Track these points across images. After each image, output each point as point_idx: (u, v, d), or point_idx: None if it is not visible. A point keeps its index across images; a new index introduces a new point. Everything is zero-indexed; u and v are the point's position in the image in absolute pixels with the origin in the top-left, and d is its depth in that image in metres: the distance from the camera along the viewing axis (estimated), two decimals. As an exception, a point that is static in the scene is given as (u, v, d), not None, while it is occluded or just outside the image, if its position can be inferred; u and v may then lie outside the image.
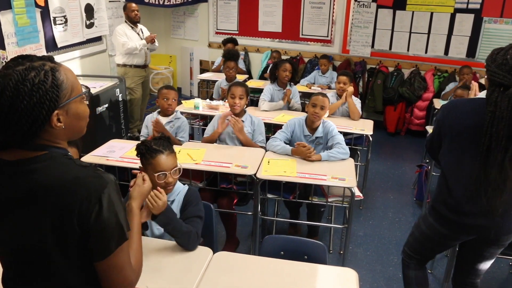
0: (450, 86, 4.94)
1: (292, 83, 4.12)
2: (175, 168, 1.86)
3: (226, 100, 3.87)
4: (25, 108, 0.94)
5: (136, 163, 2.57)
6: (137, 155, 1.86)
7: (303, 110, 4.09)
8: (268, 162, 2.68)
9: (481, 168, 1.67)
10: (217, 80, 4.63)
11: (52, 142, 1.03)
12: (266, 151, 2.88)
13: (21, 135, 0.96)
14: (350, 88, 3.76)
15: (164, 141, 1.89)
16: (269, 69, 5.46)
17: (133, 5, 4.80)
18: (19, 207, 0.99)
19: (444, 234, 1.92)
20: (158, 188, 1.74)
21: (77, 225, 0.98)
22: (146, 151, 1.82)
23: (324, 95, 2.97)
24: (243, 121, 3.03)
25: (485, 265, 1.99)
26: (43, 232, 0.99)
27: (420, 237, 2.06)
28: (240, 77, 4.72)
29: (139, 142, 1.95)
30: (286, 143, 2.92)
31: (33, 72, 0.96)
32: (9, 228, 1.02)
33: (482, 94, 1.73)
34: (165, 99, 3.11)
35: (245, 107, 3.20)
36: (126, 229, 1.05)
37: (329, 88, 4.89)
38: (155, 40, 4.95)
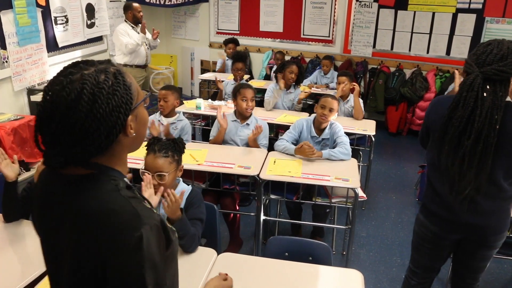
0: (453, 86, 4.92)
1: (296, 86, 4.11)
2: (159, 173, 1.82)
3: (228, 101, 3.87)
4: (104, 114, 0.83)
5: (138, 164, 2.56)
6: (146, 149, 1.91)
7: (302, 110, 4.09)
8: (274, 161, 2.67)
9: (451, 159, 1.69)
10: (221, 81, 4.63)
11: (111, 160, 0.91)
12: (268, 152, 2.87)
13: (98, 144, 0.84)
14: (357, 87, 3.74)
15: (169, 144, 1.88)
16: (273, 69, 5.47)
17: (138, 5, 4.80)
18: (54, 229, 0.90)
19: (434, 232, 1.91)
20: (173, 192, 1.74)
21: (100, 269, 0.83)
22: (148, 146, 1.89)
23: (334, 97, 2.96)
24: (248, 123, 3.02)
25: (479, 268, 1.95)
26: (63, 261, 0.88)
27: (415, 241, 2.03)
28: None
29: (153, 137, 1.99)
30: (294, 144, 2.91)
31: (102, 75, 0.85)
32: (48, 247, 0.95)
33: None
34: (160, 100, 3.10)
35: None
36: (152, 287, 0.84)
37: (328, 87, 4.88)
38: (157, 36, 4.94)
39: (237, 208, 2.79)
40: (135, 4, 4.78)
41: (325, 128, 2.94)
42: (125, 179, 0.93)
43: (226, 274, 1.46)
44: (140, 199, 0.89)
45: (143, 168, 1.86)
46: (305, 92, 4.02)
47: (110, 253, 0.82)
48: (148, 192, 1.76)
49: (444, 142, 1.68)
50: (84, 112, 0.82)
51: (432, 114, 1.83)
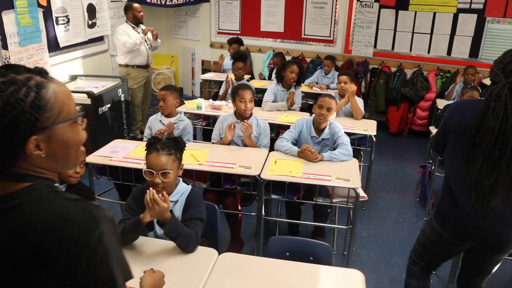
0: (457, 88, 4.90)
1: (297, 86, 4.10)
2: (164, 171, 1.82)
3: (229, 101, 3.87)
4: None
5: (139, 164, 2.57)
6: (145, 149, 1.90)
7: (302, 110, 4.08)
8: (275, 161, 2.67)
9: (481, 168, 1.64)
10: (219, 80, 4.63)
11: (34, 171, 0.86)
12: (269, 152, 2.87)
13: None
14: (353, 87, 3.74)
15: (171, 143, 1.88)
16: (274, 71, 5.47)
17: (138, 5, 4.80)
18: None
19: (448, 240, 1.89)
20: (163, 194, 1.74)
21: (64, 277, 0.79)
22: (148, 146, 1.88)
23: (332, 97, 2.95)
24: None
25: (490, 270, 1.96)
26: None
27: (425, 242, 2.03)
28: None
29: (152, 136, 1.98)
30: (294, 143, 2.92)
31: (12, 86, 0.79)
32: None
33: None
34: (159, 100, 3.11)
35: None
36: (122, 282, 0.85)
37: (328, 88, 4.88)
38: (157, 36, 4.93)
39: (240, 208, 2.80)
40: (135, 5, 4.78)
41: (324, 128, 2.94)
42: (56, 185, 0.89)
43: (152, 269, 1.41)
44: (84, 199, 0.87)
45: (146, 167, 1.86)
46: (292, 92, 3.97)
47: (75, 258, 0.79)
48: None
49: (475, 152, 1.63)
50: None
51: (454, 118, 1.79)
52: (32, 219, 0.81)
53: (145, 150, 1.90)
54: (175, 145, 1.89)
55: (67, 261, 0.79)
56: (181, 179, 1.99)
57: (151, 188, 1.73)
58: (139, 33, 4.79)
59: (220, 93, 4.48)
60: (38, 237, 0.79)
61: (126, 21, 4.80)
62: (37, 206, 0.82)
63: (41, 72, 0.86)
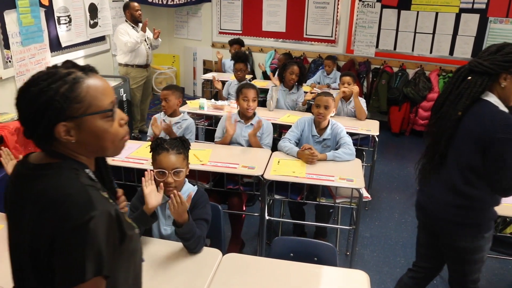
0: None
1: (299, 86, 4.10)
2: (176, 169, 1.82)
3: (232, 100, 3.87)
4: (28, 112, 0.93)
5: (142, 164, 2.56)
6: (150, 151, 1.89)
7: (307, 110, 4.08)
8: (278, 162, 2.67)
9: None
10: (220, 80, 4.61)
11: (68, 153, 0.98)
12: (272, 152, 2.86)
13: (30, 136, 0.95)
14: (356, 88, 3.74)
15: (177, 142, 1.88)
16: (277, 72, 5.46)
17: (136, 4, 4.78)
18: (19, 209, 0.96)
19: (419, 224, 2.04)
20: (180, 194, 1.68)
21: (49, 247, 0.88)
22: (155, 147, 1.87)
23: (328, 94, 2.95)
24: (252, 124, 3.02)
25: (458, 270, 1.91)
26: (25, 240, 0.93)
27: (417, 234, 2.13)
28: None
29: (156, 138, 1.97)
30: (297, 143, 2.92)
31: (50, 78, 0.92)
32: (10, 228, 1.01)
33: None
34: (161, 100, 3.11)
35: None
36: (91, 273, 0.86)
37: (329, 87, 4.87)
38: (159, 35, 4.91)
39: (244, 208, 2.79)
40: (133, 3, 4.74)
41: (326, 127, 2.94)
42: (87, 170, 0.99)
43: None
44: (98, 189, 0.95)
45: (156, 168, 1.84)
46: (311, 93, 4.00)
47: (58, 232, 0.86)
48: (149, 188, 1.74)
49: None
50: (21, 105, 0.94)
51: None
52: (46, 190, 0.91)
53: (150, 152, 1.89)
54: (182, 144, 1.90)
55: (53, 233, 0.87)
56: (187, 180, 1.99)
57: (173, 192, 1.68)
58: (139, 32, 4.78)
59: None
60: (44, 206, 0.90)
61: (126, 21, 4.78)
62: (54, 180, 0.93)
63: (85, 69, 0.98)
